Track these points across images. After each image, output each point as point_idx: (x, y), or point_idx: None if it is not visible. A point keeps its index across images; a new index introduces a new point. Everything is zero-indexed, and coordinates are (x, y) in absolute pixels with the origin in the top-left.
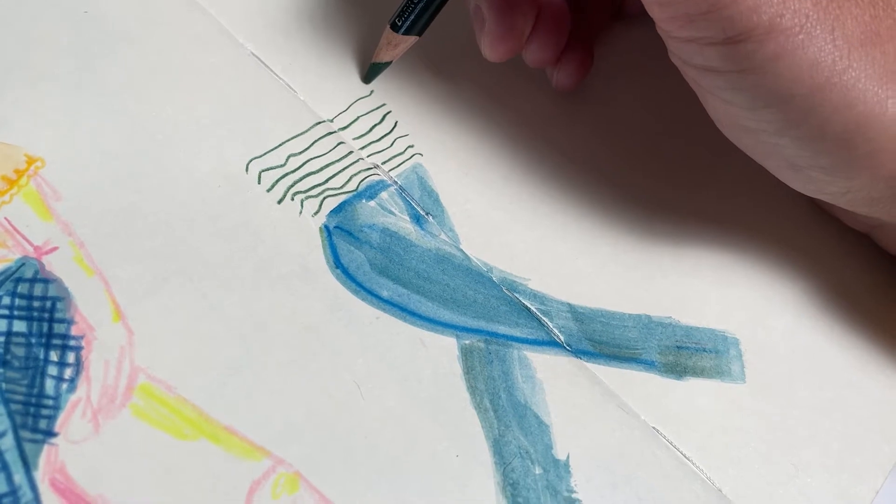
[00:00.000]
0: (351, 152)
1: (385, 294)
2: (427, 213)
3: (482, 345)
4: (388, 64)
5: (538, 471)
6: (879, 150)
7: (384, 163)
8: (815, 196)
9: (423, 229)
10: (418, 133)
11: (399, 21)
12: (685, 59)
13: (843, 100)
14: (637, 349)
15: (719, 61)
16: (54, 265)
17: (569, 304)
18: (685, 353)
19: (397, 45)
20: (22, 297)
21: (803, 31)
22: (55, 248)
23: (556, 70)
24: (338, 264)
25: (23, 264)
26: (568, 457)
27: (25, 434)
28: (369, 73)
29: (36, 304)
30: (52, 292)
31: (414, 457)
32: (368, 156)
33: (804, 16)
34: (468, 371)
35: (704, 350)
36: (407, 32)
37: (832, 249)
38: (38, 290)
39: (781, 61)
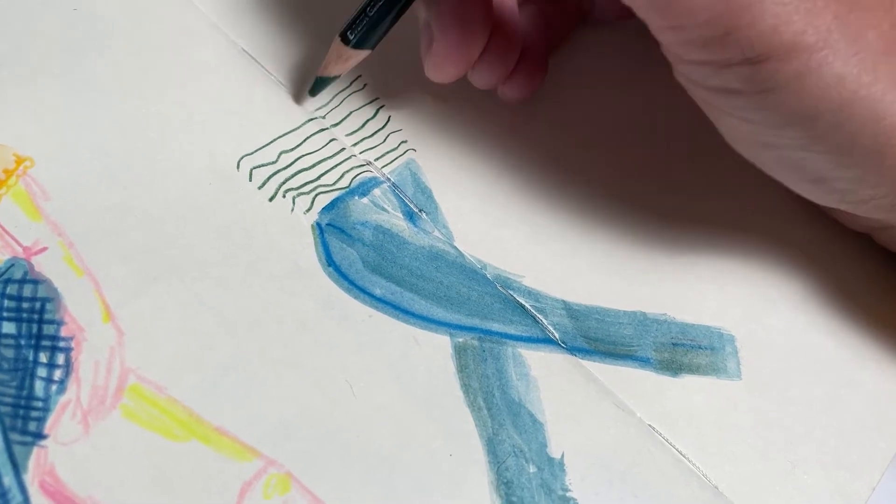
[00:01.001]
0: (343, 149)
1: (378, 292)
2: (420, 210)
3: (476, 342)
4: (335, 78)
5: (532, 469)
6: None
7: (377, 159)
8: (833, 206)
9: (416, 226)
10: (412, 128)
11: (351, 34)
12: (698, 81)
13: (872, 113)
14: (632, 346)
15: (739, 83)
16: (44, 266)
17: (563, 301)
18: (681, 350)
19: (348, 59)
20: (11, 298)
21: (827, 45)
22: (44, 249)
23: (503, 83)
24: (330, 262)
25: (12, 265)
26: (562, 455)
27: (15, 436)
28: (315, 86)
29: (25, 305)
30: (41, 293)
31: (407, 456)
32: (361, 152)
33: (827, 30)
34: (462, 369)
35: (700, 347)
36: (358, 46)
37: (828, 245)
38: (27, 291)
39: (806, 79)
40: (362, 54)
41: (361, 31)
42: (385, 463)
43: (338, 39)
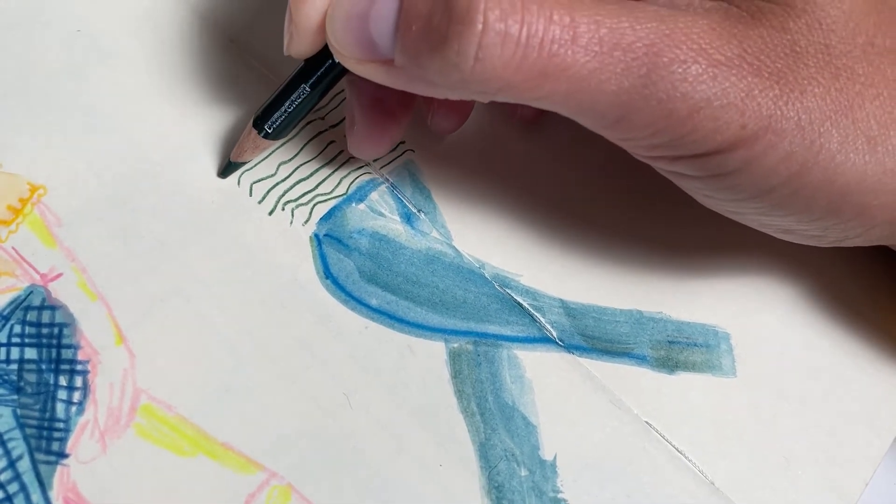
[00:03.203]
0: (341, 151)
1: (374, 303)
2: (419, 211)
3: (470, 347)
4: (247, 162)
5: (524, 473)
6: (867, 207)
7: (375, 160)
8: (812, 245)
9: (413, 228)
10: (410, 129)
11: (268, 126)
12: (656, 168)
13: (823, 177)
14: (629, 344)
15: (691, 171)
16: (59, 291)
17: (561, 300)
18: (676, 348)
19: (265, 148)
20: (31, 324)
21: (770, 130)
22: (60, 275)
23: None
24: (328, 274)
25: (31, 292)
26: (555, 457)
27: (40, 456)
28: (226, 169)
29: (44, 331)
30: (58, 319)
31: (400, 465)
32: None
33: (767, 117)
34: (456, 375)
35: (696, 344)
36: (274, 137)
37: None
38: (45, 317)
39: (754, 164)
40: (278, 143)
41: (279, 124)
42: (379, 472)
43: (254, 131)
